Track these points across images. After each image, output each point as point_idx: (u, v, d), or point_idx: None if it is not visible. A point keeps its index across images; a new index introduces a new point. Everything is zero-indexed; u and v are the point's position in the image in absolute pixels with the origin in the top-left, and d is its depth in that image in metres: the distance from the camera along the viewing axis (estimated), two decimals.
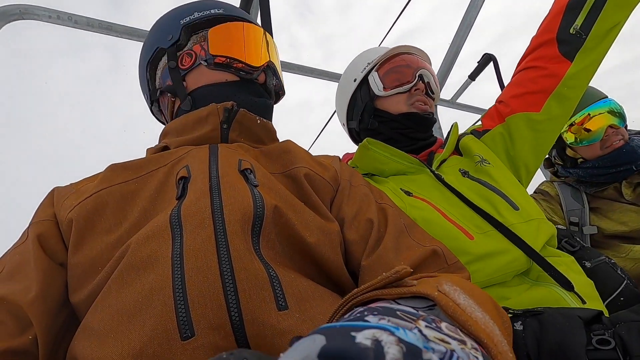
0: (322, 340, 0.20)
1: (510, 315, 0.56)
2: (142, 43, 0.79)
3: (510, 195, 0.81)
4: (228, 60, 0.69)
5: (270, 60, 0.74)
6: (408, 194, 0.84)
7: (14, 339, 0.43)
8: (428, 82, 0.96)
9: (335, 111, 1.20)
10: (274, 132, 0.74)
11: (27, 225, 0.54)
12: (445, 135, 1.04)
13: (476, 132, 1.00)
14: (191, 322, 0.38)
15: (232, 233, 0.44)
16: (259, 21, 0.93)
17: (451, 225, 0.75)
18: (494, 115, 0.97)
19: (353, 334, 0.20)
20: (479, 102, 2.10)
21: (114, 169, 0.57)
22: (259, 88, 0.72)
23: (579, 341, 0.46)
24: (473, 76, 1.81)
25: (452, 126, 1.02)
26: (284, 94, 0.83)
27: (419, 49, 1.00)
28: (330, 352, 0.19)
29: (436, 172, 0.89)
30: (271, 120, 0.76)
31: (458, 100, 1.95)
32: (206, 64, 0.70)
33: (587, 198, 1.38)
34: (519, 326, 0.52)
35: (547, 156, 1.59)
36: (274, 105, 0.79)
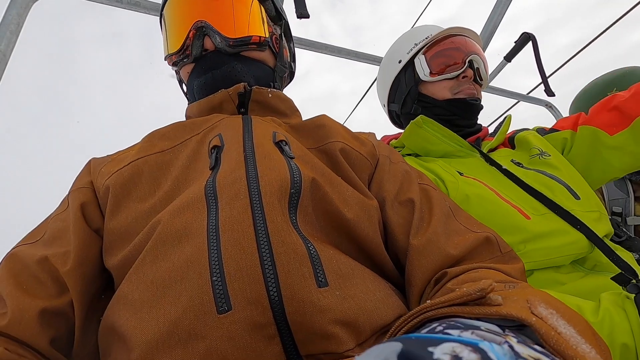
0: (399, 346, 0.19)
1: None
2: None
3: (571, 184, 0.77)
4: (169, 60, 0.68)
5: (195, 22, 0.62)
6: (460, 173, 0.82)
7: (53, 300, 0.45)
8: (477, 68, 0.92)
9: (359, 101, 1.16)
10: (290, 101, 0.70)
11: (67, 193, 0.57)
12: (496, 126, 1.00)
13: (541, 130, 0.95)
14: (228, 296, 0.37)
15: (268, 205, 0.43)
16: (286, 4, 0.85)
17: (506, 204, 0.73)
18: (571, 120, 0.91)
19: (430, 348, 0.19)
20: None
21: (151, 139, 0.58)
22: (211, 59, 0.64)
23: None
24: (509, 57, 1.71)
25: (505, 117, 0.98)
26: (258, 38, 0.66)
27: (470, 30, 0.94)
28: (408, 356, 0.18)
29: (487, 155, 0.86)
30: (267, 74, 0.68)
31: (492, 84, 1.87)
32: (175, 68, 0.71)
33: (632, 187, 1.33)
34: None
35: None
36: (255, 54, 0.67)
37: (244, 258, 0.39)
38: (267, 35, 0.67)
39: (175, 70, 0.74)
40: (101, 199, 0.53)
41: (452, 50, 0.91)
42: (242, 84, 0.62)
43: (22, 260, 0.47)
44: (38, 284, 0.45)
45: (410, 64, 0.96)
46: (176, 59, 0.66)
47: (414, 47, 0.95)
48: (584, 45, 2.02)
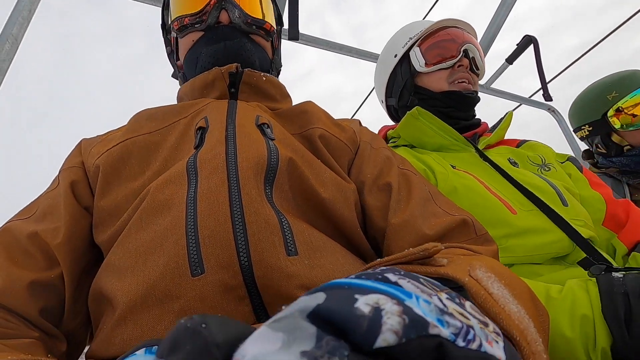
0: (321, 298, 0.19)
1: (606, 269, 0.54)
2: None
3: (563, 193, 0.76)
4: (178, 21, 0.67)
5: None
6: (452, 167, 0.82)
7: (43, 272, 0.46)
8: (473, 57, 0.92)
9: (364, 101, 1.17)
10: (283, 87, 0.71)
11: (57, 172, 0.58)
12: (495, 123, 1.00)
13: (572, 159, 0.93)
14: (201, 260, 0.40)
15: (244, 179, 0.45)
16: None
17: (493, 197, 0.73)
18: (612, 203, 0.82)
19: (357, 296, 0.19)
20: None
21: (139, 119, 0.60)
22: (224, 31, 0.65)
23: None
24: (511, 59, 1.73)
25: (506, 114, 0.98)
26: (270, 25, 0.70)
27: (464, 22, 0.96)
28: (321, 313, 0.18)
29: (481, 150, 0.86)
30: (267, 62, 0.71)
31: (493, 86, 1.88)
32: (176, 35, 0.70)
33: (629, 190, 1.32)
34: (619, 274, 0.51)
35: (586, 147, 1.52)
36: (262, 41, 0.70)
37: (217, 226, 0.41)
38: (275, 29, 0.72)
39: (173, 38, 0.73)
40: (91, 178, 0.54)
41: (446, 42, 0.92)
42: (234, 64, 0.63)
43: (13, 235, 0.49)
44: (28, 257, 0.47)
45: (406, 57, 0.97)
46: (188, 22, 0.66)
47: (409, 41, 0.96)
48: (589, 48, 2.02)
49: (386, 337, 0.17)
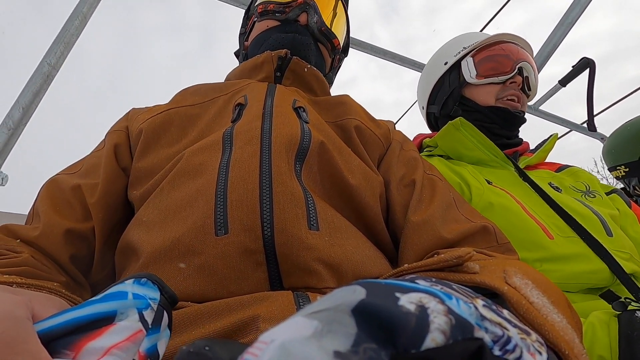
0: (362, 293, 0.18)
1: (635, 307, 0.51)
2: None
3: (608, 222, 0.72)
4: (264, 5, 0.71)
5: None
6: (488, 182, 0.79)
7: (79, 223, 0.50)
8: (527, 77, 0.89)
9: (403, 114, 1.15)
10: (326, 83, 0.73)
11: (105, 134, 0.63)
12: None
13: (619, 192, 0.88)
14: (227, 222, 0.41)
15: (276, 152, 0.47)
16: None
17: (530, 219, 0.70)
18: None
19: (397, 294, 0.18)
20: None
21: (184, 93, 0.65)
22: (298, 27, 0.69)
23: None
24: (564, 82, 1.64)
25: (550, 135, 0.94)
26: (338, 43, 0.75)
27: (523, 39, 0.93)
28: (367, 309, 0.16)
29: (522, 170, 0.83)
30: (323, 69, 0.74)
31: (541, 108, 1.80)
32: (256, 18, 0.74)
33: None
34: None
35: (622, 186, 1.42)
36: (326, 53, 0.74)
37: (245, 191, 0.43)
38: (340, 48, 0.76)
39: (251, 21, 0.77)
40: (133, 141, 0.59)
41: (501, 56, 0.89)
42: (285, 50, 0.66)
43: (59, 185, 0.53)
44: (69, 208, 0.51)
45: (456, 66, 0.95)
46: (272, 9, 0.71)
47: (462, 50, 0.94)
48: None
49: (435, 337, 0.16)
